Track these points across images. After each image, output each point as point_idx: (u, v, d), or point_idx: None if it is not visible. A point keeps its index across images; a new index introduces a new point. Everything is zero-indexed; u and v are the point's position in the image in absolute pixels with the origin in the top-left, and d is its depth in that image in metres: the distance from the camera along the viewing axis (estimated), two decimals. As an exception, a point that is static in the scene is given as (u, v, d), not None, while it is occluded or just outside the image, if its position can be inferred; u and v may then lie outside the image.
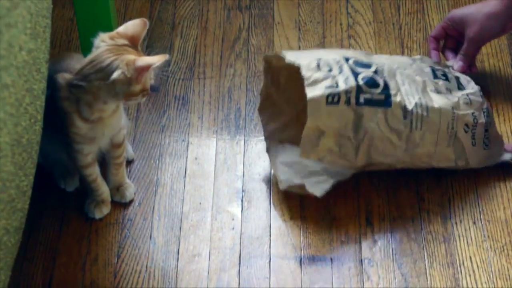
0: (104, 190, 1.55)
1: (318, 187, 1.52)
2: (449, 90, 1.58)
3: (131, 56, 1.36)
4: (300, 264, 1.49)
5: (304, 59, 1.50)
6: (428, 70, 1.60)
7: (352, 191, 1.58)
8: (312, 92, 1.46)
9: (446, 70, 1.63)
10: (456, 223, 1.53)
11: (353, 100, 1.47)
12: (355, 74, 1.49)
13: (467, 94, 1.56)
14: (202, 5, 1.89)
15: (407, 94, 1.51)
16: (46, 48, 1.30)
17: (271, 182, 1.60)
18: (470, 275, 1.46)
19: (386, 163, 1.53)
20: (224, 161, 1.64)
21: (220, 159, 1.64)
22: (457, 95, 1.55)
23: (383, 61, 1.56)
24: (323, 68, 1.49)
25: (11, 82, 1.18)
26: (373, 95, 1.49)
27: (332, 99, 1.46)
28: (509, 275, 1.46)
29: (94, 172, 1.52)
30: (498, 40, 1.80)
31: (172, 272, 1.48)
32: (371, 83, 1.49)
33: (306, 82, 1.47)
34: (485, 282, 1.45)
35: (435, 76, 1.59)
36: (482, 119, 1.55)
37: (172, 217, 1.56)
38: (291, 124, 1.60)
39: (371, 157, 1.51)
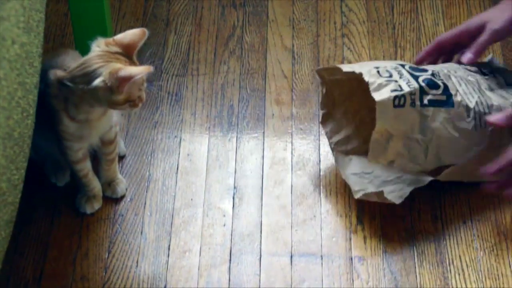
0: (95, 185, 1.55)
1: (396, 195, 1.51)
2: (500, 85, 1.60)
3: (116, 65, 1.36)
4: (291, 261, 1.49)
5: (362, 68, 1.51)
6: (474, 69, 1.61)
7: (343, 189, 1.58)
8: (379, 96, 1.46)
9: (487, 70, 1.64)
10: (446, 222, 1.54)
11: (417, 102, 1.48)
12: (415, 77, 1.50)
13: None
14: (197, 2, 1.90)
15: (466, 94, 1.52)
16: (40, 42, 1.30)
17: (262, 179, 1.61)
18: (459, 274, 1.47)
19: (457, 165, 1.51)
20: (216, 157, 1.64)
21: (212, 156, 1.64)
22: None
23: (433, 67, 1.57)
24: (383, 74, 1.49)
25: (3, 75, 1.18)
26: (435, 96, 1.49)
27: (398, 101, 1.47)
28: (498, 275, 1.47)
29: (86, 167, 1.52)
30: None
31: (162, 268, 1.49)
32: (432, 84, 1.50)
33: (371, 87, 1.46)
34: (474, 282, 1.46)
35: (484, 74, 1.61)
36: None
37: (163, 213, 1.56)
38: (353, 137, 1.60)
39: (441, 159, 1.51)
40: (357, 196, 1.53)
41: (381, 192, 1.51)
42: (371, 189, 1.52)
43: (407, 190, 1.52)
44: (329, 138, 1.61)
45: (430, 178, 1.53)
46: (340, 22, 1.86)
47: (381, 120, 1.47)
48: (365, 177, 1.55)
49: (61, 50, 1.53)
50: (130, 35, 1.40)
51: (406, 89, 1.47)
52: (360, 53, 1.80)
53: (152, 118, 1.70)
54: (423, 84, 1.49)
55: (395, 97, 1.47)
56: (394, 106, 1.47)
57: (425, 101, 1.49)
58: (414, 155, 1.51)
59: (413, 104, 1.48)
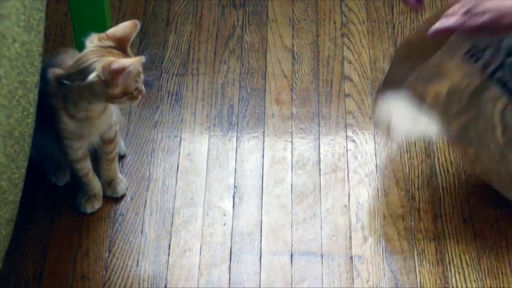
0: (95, 184, 1.55)
1: (412, 130, 1.47)
2: None
3: (109, 59, 1.36)
4: (291, 260, 1.49)
5: None
6: None
7: (342, 189, 1.58)
8: (459, 38, 1.38)
9: None
10: (446, 221, 1.54)
11: (488, 70, 1.40)
12: (509, 54, 1.41)
13: None
14: (197, 2, 1.90)
15: None
16: (40, 41, 1.30)
17: (262, 178, 1.61)
18: (459, 273, 1.47)
19: (476, 150, 1.44)
20: (216, 157, 1.64)
21: (212, 155, 1.64)
22: None
23: None
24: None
25: (3, 73, 1.18)
26: (510, 81, 1.41)
27: (471, 55, 1.40)
28: (498, 273, 1.47)
29: (86, 166, 1.52)
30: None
31: (163, 267, 1.49)
32: None
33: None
34: (474, 280, 1.46)
35: None
36: None
37: (163, 212, 1.56)
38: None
39: (467, 132, 1.44)
40: (375, 118, 1.48)
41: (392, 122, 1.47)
42: (397, 117, 1.47)
43: (424, 132, 1.47)
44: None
45: (445, 134, 1.46)
46: (340, 22, 1.86)
47: (444, 55, 1.40)
48: (402, 107, 1.48)
49: (61, 49, 1.53)
50: (122, 28, 1.40)
51: (487, 55, 1.40)
52: (360, 52, 1.80)
53: (152, 118, 1.70)
54: (508, 62, 1.40)
55: (472, 48, 1.40)
56: (464, 55, 1.40)
57: (497, 76, 1.40)
58: (447, 110, 1.43)
59: (483, 68, 1.40)
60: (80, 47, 1.56)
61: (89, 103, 1.40)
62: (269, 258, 1.50)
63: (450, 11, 1.33)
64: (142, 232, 1.53)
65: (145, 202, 1.58)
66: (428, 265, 1.48)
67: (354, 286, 1.46)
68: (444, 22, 1.32)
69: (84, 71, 1.37)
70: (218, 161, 1.64)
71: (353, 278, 1.47)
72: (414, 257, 1.50)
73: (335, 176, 1.60)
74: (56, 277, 1.47)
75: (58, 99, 1.41)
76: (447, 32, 1.33)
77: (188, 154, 1.65)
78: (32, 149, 1.34)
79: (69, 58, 1.45)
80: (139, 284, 1.46)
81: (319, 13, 1.88)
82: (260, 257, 1.50)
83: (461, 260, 1.49)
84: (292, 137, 1.67)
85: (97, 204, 1.56)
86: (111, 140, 1.52)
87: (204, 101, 1.73)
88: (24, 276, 1.47)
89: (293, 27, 1.85)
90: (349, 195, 1.58)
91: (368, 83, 1.75)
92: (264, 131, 1.68)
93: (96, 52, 1.38)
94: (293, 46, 1.82)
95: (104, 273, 1.48)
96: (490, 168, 1.47)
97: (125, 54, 1.39)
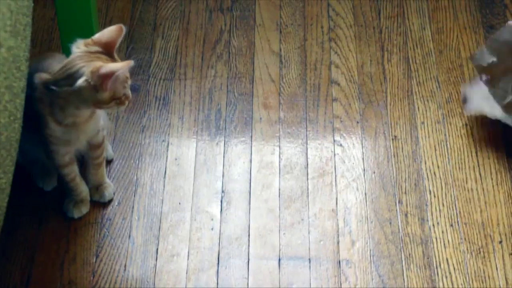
0: (83, 189, 1.55)
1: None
2: None
3: (97, 63, 1.36)
4: (279, 265, 1.50)
5: None
6: None
7: (330, 193, 1.59)
8: None
9: None
10: (433, 225, 1.55)
11: None
12: None
13: None
14: (184, 6, 1.90)
15: None
16: (27, 46, 1.30)
17: (250, 182, 1.61)
18: (446, 277, 1.48)
19: None
20: (204, 162, 1.64)
21: (200, 160, 1.64)
22: None
23: None
24: None
25: (-10, 79, 1.18)
26: None
27: None
28: (485, 277, 1.47)
29: (73, 171, 1.51)
30: (478, 47, 1.81)
31: (150, 272, 1.49)
32: None
33: None
34: (461, 284, 1.47)
35: None
36: None
37: (151, 217, 1.56)
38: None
39: None
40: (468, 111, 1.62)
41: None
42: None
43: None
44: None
45: None
46: (327, 27, 1.86)
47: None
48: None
49: (47, 54, 1.53)
50: (108, 33, 1.40)
51: None
52: (347, 57, 1.81)
53: (140, 122, 1.70)
54: None
55: None
56: None
57: None
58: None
59: None
60: (67, 52, 1.56)
61: (77, 108, 1.40)
62: (257, 262, 1.50)
63: None
64: (129, 237, 1.53)
65: (133, 207, 1.57)
66: (415, 269, 1.49)
67: (342, 290, 1.46)
68: None
69: (72, 77, 1.36)
70: (206, 165, 1.64)
71: (340, 282, 1.47)
72: (402, 261, 1.50)
73: (322, 181, 1.61)
74: (43, 282, 1.47)
75: (45, 105, 1.41)
76: None
77: (176, 159, 1.65)
78: (19, 154, 1.33)
79: (56, 63, 1.45)
80: (126, 289, 1.46)
81: (306, 17, 1.88)
82: (248, 261, 1.50)
83: (448, 264, 1.49)
84: (279, 142, 1.67)
85: (85, 209, 1.56)
86: (98, 145, 1.52)
87: (192, 105, 1.73)
88: (11, 281, 1.47)
89: (280, 31, 1.86)
90: (336, 199, 1.58)
91: (356, 88, 1.75)
92: (251, 136, 1.68)
93: (84, 58, 1.38)
94: (280, 50, 1.82)
95: (92, 278, 1.48)
96: None
97: (112, 59, 1.39)
